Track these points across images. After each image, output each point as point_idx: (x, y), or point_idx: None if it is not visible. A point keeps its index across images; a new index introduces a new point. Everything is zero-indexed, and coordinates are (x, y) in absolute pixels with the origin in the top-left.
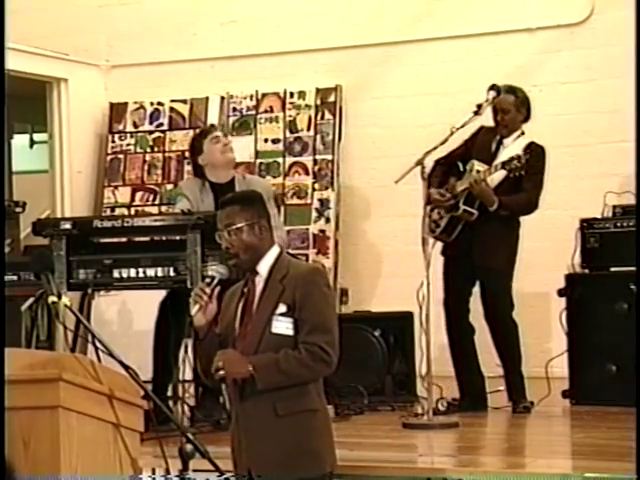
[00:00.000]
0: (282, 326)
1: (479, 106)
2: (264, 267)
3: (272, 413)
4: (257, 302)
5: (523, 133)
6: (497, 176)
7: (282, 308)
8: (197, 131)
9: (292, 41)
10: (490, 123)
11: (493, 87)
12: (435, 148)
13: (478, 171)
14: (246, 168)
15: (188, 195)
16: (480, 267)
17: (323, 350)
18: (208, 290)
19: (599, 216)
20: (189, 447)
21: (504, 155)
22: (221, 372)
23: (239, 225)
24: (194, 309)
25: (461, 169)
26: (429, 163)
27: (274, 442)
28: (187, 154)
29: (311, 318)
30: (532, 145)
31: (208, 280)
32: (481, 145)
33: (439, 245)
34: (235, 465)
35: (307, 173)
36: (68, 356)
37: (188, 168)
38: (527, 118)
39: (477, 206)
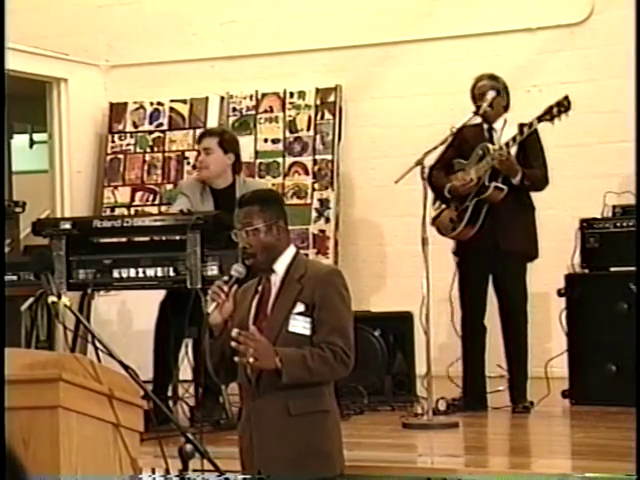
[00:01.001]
0: (299, 325)
1: (478, 106)
2: (281, 266)
3: (285, 412)
4: (273, 300)
5: (505, 119)
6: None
7: (300, 307)
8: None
9: (292, 41)
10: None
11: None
12: (435, 148)
13: (497, 148)
14: (246, 168)
15: (188, 195)
16: (504, 252)
17: (344, 352)
18: (226, 288)
19: (599, 216)
20: (189, 447)
21: (504, 139)
22: (251, 360)
23: (257, 226)
24: (211, 307)
25: (464, 163)
26: (429, 163)
27: (286, 441)
28: (187, 154)
29: (330, 319)
30: (523, 126)
31: (226, 278)
32: (474, 138)
33: (441, 245)
34: (243, 465)
35: (307, 173)
36: (68, 356)
37: (188, 168)
38: (507, 107)
39: (503, 181)
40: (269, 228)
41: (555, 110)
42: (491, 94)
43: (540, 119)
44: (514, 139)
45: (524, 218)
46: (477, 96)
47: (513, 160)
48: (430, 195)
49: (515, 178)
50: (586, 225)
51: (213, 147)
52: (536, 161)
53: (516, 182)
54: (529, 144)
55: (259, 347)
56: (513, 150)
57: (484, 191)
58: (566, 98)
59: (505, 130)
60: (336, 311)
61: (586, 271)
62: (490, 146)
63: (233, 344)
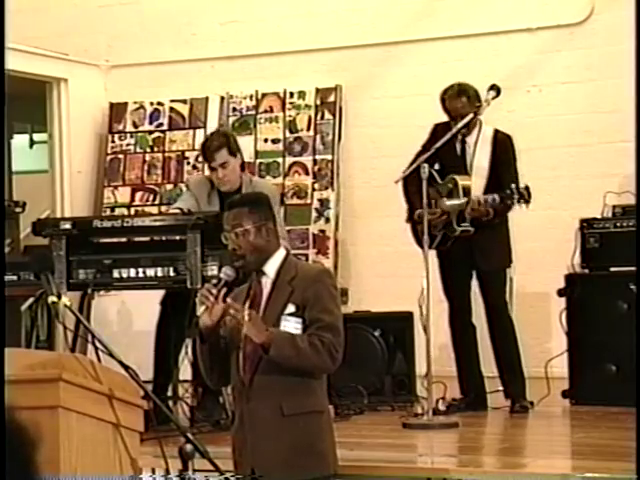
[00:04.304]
0: (290, 326)
1: (478, 106)
2: (271, 268)
3: (278, 413)
4: (265, 303)
5: (481, 123)
6: (479, 182)
7: (291, 308)
8: (203, 143)
9: (292, 41)
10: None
11: (493, 87)
12: (435, 148)
13: (464, 189)
14: (246, 168)
15: (195, 193)
16: (483, 269)
17: (333, 345)
18: (215, 291)
19: (599, 216)
20: (189, 447)
21: (477, 157)
22: (246, 317)
23: (246, 227)
24: (200, 310)
25: (437, 178)
26: (402, 169)
27: (280, 442)
28: (187, 154)
29: (321, 317)
30: (498, 135)
31: (215, 281)
32: (447, 150)
33: None
34: (236, 465)
35: (307, 173)
36: (68, 356)
37: (188, 168)
38: (478, 107)
39: (470, 221)
40: (258, 229)
41: (516, 197)
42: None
43: (502, 199)
44: (493, 200)
45: (499, 235)
46: (450, 109)
47: (483, 210)
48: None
49: (487, 217)
50: (586, 225)
51: (228, 159)
52: (508, 173)
53: (487, 219)
54: (501, 156)
55: (252, 317)
56: (482, 180)
57: (452, 231)
58: (526, 188)
59: (479, 142)
60: (327, 310)
61: (586, 271)
62: (459, 180)
63: (227, 318)
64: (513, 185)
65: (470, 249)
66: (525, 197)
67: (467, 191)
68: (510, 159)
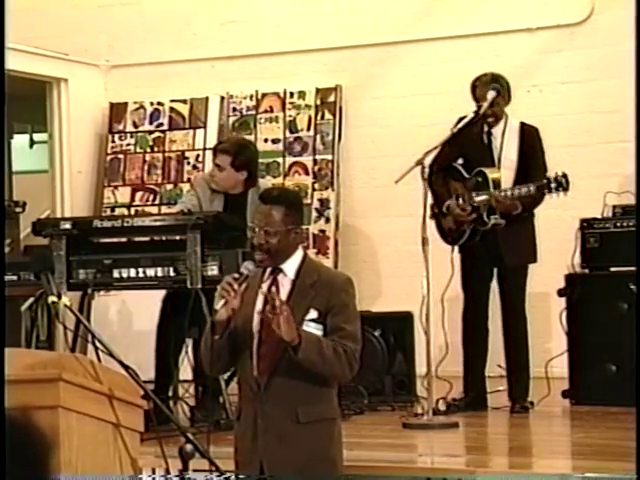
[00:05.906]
0: (311, 331)
1: (479, 106)
2: (290, 267)
3: (294, 419)
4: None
5: (507, 116)
6: (508, 174)
7: (313, 314)
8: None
9: (292, 41)
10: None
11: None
12: (435, 148)
13: (494, 181)
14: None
15: (198, 192)
16: (508, 265)
17: (354, 356)
18: (236, 286)
19: (599, 216)
20: (189, 447)
21: (505, 149)
22: (274, 322)
23: (279, 229)
24: (220, 303)
25: (464, 173)
26: (429, 162)
27: (294, 449)
28: (187, 154)
29: (344, 326)
30: (525, 127)
31: (236, 275)
32: (470, 141)
33: (441, 245)
34: (237, 465)
35: (307, 173)
36: (68, 356)
37: (188, 168)
38: (509, 100)
39: (500, 213)
40: (289, 232)
41: (553, 186)
42: (491, 94)
43: (539, 188)
44: (528, 190)
45: (525, 230)
46: (479, 97)
47: (511, 203)
48: (430, 195)
49: (516, 211)
50: (586, 225)
51: (225, 166)
52: (536, 166)
53: (516, 213)
54: (529, 149)
55: (287, 313)
56: (510, 173)
57: (483, 224)
58: (564, 176)
59: (506, 135)
60: (351, 319)
61: (586, 271)
62: (488, 173)
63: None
64: (551, 173)
65: (496, 245)
66: (563, 185)
67: (497, 184)
68: (538, 151)
